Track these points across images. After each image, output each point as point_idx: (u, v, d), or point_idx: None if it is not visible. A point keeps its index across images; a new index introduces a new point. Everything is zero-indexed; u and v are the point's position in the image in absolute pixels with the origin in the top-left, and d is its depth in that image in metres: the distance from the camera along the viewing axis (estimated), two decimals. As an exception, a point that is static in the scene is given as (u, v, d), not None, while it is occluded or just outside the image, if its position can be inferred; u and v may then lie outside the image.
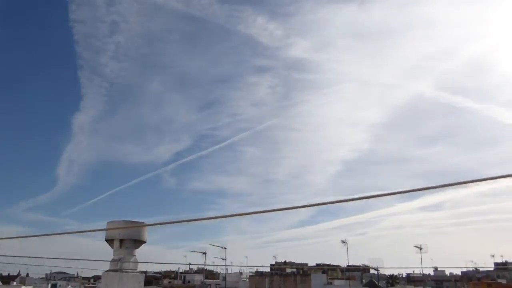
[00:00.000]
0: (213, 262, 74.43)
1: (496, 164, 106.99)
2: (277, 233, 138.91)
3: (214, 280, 79.21)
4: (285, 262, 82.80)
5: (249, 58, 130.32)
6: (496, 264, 75.65)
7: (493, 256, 79.43)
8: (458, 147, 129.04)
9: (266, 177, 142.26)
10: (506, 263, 75.00)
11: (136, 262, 11.29)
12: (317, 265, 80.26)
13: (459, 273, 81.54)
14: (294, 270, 71.90)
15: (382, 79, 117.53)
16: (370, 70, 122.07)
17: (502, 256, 79.65)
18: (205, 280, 77.40)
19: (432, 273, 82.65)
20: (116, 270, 10.64)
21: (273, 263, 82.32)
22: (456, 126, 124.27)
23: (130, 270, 10.81)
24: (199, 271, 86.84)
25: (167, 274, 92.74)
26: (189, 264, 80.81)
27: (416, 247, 59.72)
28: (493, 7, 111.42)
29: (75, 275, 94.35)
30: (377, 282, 68.44)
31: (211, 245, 68.70)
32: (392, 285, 68.98)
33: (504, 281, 67.21)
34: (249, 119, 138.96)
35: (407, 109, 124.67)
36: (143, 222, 11.12)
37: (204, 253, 70.53)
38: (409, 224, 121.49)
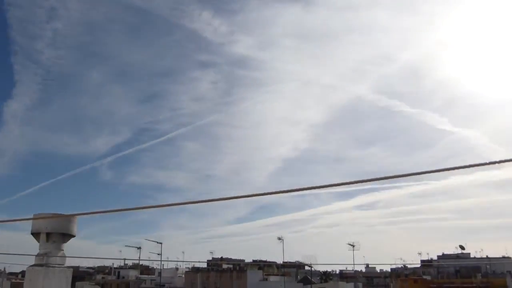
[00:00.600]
0: (149, 257, 73.44)
1: (428, 166, 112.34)
2: (215, 229, 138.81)
3: (149, 276, 78.07)
4: (221, 258, 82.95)
5: (192, 53, 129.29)
6: (422, 261, 79.69)
7: (420, 253, 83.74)
8: (393, 149, 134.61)
9: (205, 173, 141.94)
10: (431, 261, 79.20)
11: (64, 256, 10.92)
12: (254, 261, 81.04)
13: (389, 270, 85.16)
14: (231, 266, 72.21)
15: (324, 80, 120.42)
16: (312, 70, 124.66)
17: (428, 254, 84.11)
18: (140, 276, 76.14)
19: (363, 270, 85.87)
20: (41, 265, 10.27)
21: (210, 259, 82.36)
22: (392, 129, 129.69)
23: (57, 265, 10.46)
24: (134, 267, 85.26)
25: (100, 270, 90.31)
26: (124, 259, 79.21)
27: (349, 244, 61.87)
28: (428, 18, 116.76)
29: (1, 270, 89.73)
30: (311, 278, 70.05)
31: (146, 240, 67.80)
32: (326, 281, 70.87)
33: (429, 277, 70.93)
34: (190, 114, 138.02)
35: (346, 111, 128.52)
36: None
37: (139, 248, 69.45)
38: (344, 222, 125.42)
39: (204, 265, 78.09)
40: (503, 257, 77.28)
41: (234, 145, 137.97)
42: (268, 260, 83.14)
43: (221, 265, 74.16)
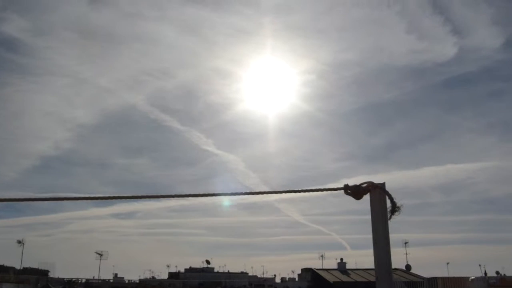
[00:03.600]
0: None
1: (188, 183, 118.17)
2: None
3: None
4: None
5: None
6: (170, 273, 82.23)
7: (168, 266, 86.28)
8: (159, 162, 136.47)
9: None
10: (178, 273, 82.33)
11: None
12: (-13, 265, 71.93)
13: (137, 280, 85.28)
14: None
15: (100, 82, 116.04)
16: (89, 70, 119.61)
17: (176, 266, 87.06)
18: None
19: (111, 280, 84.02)
20: None
21: None
22: (160, 142, 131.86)
23: None
24: None
25: None
26: None
27: (97, 253, 60.07)
28: (209, 45, 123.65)
29: None
30: (51, 287, 65.67)
31: None
32: (68, 290, 67.28)
33: (173, 289, 73.68)
34: None
35: (118, 117, 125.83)
36: None
37: None
38: (98, 230, 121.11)
39: None
40: (242, 273, 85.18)
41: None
42: (5, 265, 74.77)
43: None
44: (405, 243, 61.63)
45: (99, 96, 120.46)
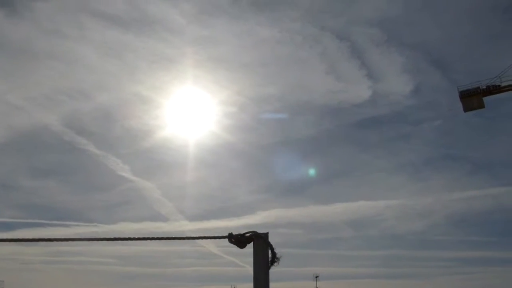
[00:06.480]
0: None
1: (100, 209, 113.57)
2: None
3: None
4: None
5: None
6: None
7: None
8: (70, 186, 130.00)
9: None
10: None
11: None
12: None
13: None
14: None
15: (10, 98, 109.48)
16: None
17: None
18: None
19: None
20: None
21: None
22: (73, 165, 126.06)
23: None
24: None
25: None
26: None
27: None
28: (123, 67, 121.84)
29: None
30: None
31: None
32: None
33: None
34: None
35: (28, 136, 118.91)
36: None
37: None
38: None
39: None
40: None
41: None
42: None
43: None
44: (316, 276, 62.92)
45: (7, 113, 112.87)
